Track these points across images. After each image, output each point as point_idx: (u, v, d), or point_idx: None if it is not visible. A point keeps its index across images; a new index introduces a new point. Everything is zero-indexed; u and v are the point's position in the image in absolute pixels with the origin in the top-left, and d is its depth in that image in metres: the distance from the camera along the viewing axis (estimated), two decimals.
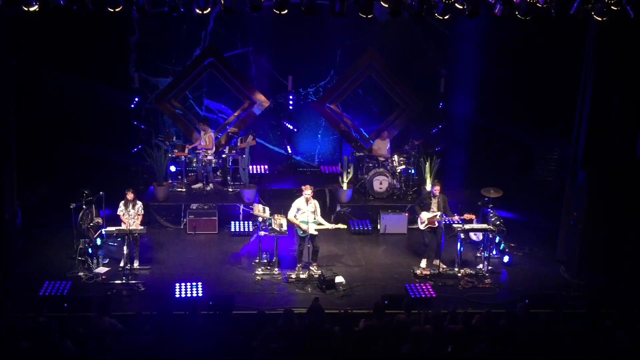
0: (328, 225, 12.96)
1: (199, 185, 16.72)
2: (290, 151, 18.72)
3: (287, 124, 18.59)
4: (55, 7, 11.33)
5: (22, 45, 14.36)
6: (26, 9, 11.14)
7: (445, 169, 16.93)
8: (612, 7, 11.45)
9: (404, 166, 16.56)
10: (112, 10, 11.47)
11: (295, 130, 18.72)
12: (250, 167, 16.40)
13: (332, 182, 16.73)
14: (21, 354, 8.66)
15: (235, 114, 18.36)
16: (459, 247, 13.16)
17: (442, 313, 9.79)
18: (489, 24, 15.52)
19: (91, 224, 13.79)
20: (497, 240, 13.96)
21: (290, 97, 18.42)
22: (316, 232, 12.74)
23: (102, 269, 12.92)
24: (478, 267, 13.31)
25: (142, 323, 9.58)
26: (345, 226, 13.44)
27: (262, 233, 13.11)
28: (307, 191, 12.68)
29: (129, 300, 11.79)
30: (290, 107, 18.51)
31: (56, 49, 15.99)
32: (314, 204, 12.79)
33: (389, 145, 16.98)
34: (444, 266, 13.16)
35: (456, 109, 18.01)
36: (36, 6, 11.17)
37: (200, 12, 11.79)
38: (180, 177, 16.85)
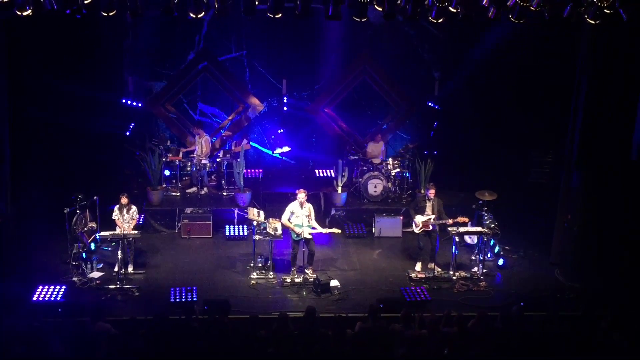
0: (322, 230, 12.95)
1: (194, 189, 16.69)
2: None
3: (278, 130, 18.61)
4: (48, 11, 11.29)
5: (16, 50, 14.32)
6: (19, 13, 11.09)
7: (439, 172, 16.94)
8: (605, 10, 11.49)
9: (398, 169, 16.55)
10: (105, 14, 11.44)
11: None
12: (245, 170, 16.38)
13: (327, 186, 16.73)
14: (16, 358, 8.62)
15: (230, 117, 18.35)
16: (453, 250, 13.16)
17: (437, 316, 9.79)
18: (482, 27, 15.54)
19: (85, 229, 13.74)
20: (491, 243, 13.97)
21: (285, 98, 18.35)
22: (310, 236, 12.73)
23: (96, 274, 12.87)
24: (473, 270, 13.32)
25: (136, 328, 9.55)
26: (339, 231, 13.43)
27: (256, 237, 13.09)
28: (301, 195, 12.69)
29: (123, 305, 11.74)
30: (285, 110, 18.46)
31: (50, 53, 15.92)
32: (308, 208, 12.79)
33: (383, 148, 16.98)
34: (439, 269, 13.16)
35: (450, 112, 18.02)
36: (29, 10, 11.12)
37: (194, 16, 11.76)
38: (174, 181, 16.81)
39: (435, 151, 17.72)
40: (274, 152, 18.33)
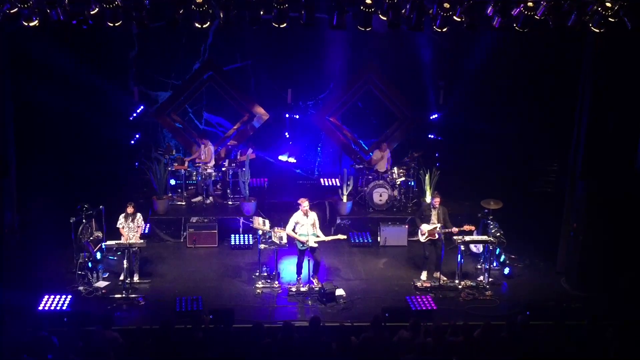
0: (325, 239, 12.92)
1: (199, 198, 16.72)
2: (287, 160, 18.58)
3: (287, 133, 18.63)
4: (55, 22, 11.35)
5: (21, 60, 14.40)
6: (26, 24, 11.17)
7: (444, 180, 16.93)
8: (610, 19, 11.50)
9: (403, 178, 16.54)
10: (111, 24, 11.50)
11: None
12: (250, 179, 16.40)
13: (332, 195, 16.73)
14: None
15: (235, 127, 18.40)
16: (459, 259, 13.13)
17: (443, 325, 9.78)
18: (487, 36, 15.57)
19: (91, 238, 13.77)
20: (497, 252, 13.94)
21: (295, 115, 18.40)
22: (316, 245, 12.72)
23: (102, 283, 12.89)
24: (478, 279, 13.29)
25: (142, 337, 9.56)
26: (344, 236, 13.41)
27: (262, 246, 13.10)
28: (304, 204, 12.67)
29: (129, 315, 11.76)
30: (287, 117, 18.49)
31: (56, 63, 16.02)
32: (313, 216, 12.78)
33: (389, 156, 16.99)
34: (445, 278, 13.13)
35: (455, 121, 18.03)
36: (36, 21, 11.19)
37: (200, 26, 11.82)
38: (180, 190, 16.85)
39: (438, 163, 17.69)
40: (279, 157, 18.35)
